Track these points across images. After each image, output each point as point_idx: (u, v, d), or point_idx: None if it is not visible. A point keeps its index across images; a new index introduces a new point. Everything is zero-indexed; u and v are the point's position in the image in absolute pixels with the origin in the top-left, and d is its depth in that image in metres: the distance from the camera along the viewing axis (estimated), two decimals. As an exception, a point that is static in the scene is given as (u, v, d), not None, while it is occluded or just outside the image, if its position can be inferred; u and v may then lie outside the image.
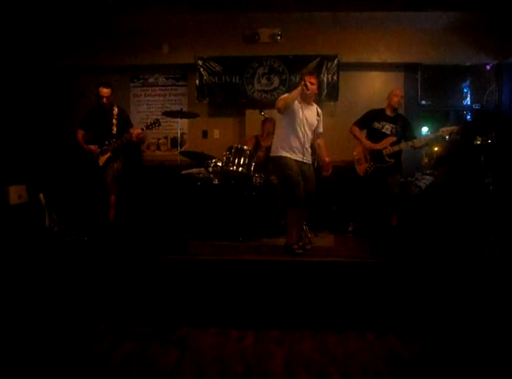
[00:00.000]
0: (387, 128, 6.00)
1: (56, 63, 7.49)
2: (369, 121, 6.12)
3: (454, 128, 5.82)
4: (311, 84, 4.93)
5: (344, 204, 6.42)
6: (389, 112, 6.06)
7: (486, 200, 4.99)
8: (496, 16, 6.70)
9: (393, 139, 5.93)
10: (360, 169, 6.12)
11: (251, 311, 4.20)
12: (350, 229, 6.19)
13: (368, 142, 6.02)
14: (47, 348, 3.64)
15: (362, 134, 6.13)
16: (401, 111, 7.15)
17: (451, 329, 3.94)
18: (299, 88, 4.87)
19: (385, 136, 5.98)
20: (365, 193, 6.16)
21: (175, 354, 3.53)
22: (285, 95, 5.02)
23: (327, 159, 5.28)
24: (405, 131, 6.01)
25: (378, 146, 5.95)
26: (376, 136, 6.02)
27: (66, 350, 3.62)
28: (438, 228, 4.65)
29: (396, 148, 5.90)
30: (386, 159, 5.91)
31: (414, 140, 5.90)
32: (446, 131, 5.77)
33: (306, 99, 5.01)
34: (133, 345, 3.67)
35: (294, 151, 4.98)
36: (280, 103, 4.94)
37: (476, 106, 7.37)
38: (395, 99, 6.02)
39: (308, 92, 4.91)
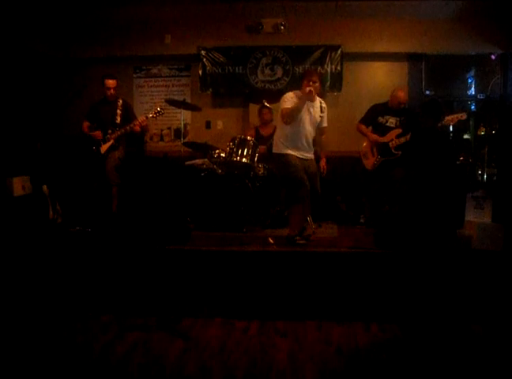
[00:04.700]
0: (391, 121, 5.96)
1: (59, 55, 7.47)
2: (373, 116, 6.08)
3: (461, 115, 5.60)
4: (314, 82, 4.83)
5: (351, 195, 6.39)
6: (392, 105, 6.00)
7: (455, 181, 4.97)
8: (501, 5, 6.64)
9: (399, 131, 5.86)
10: (368, 163, 6.07)
11: (255, 302, 4.21)
12: (362, 221, 6.20)
13: (374, 136, 5.99)
14: (51, 339, 3.67)
15: (368, 130, 6.09)
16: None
17: (455, 320, 3.95)
18: (305, 98, 4.77)
19: (390, 129, 5.93)
20: (374, 186, 6.11)
21: (179, 344, 3.54)
22: (289, 100, 4.88)
23: (324, 159, 5.27)
24: (411, 123, 5.91)
25: (384, 139, 5.90)
26: (381, 130, 5.97)
27: (71, 340, 3.64)
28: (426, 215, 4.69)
29: (402, 139, 5.80)
30: (393, 151, 5.85)
31: None
32: (452, 119, 5.57)
33: (309, 98, 4.89)
34: (138, 336, 3.69)
35: (297, 149, 4.94)
36: (286, 117, 4.85)
37: (481, 97, 7.32)
38: (399, 100, 5.92)
39: (314, 94, 4.84)
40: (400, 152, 5.84)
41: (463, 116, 5.61)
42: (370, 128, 6.10)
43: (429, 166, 4.68)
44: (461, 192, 5.03)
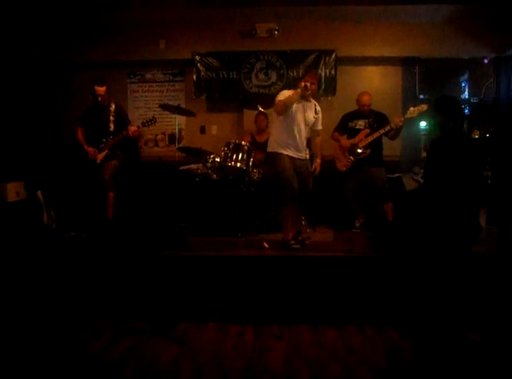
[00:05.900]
0: (360, 124, 6.12)
1: (52, 59, 7.45)
2: (344, 124, 6.28)
3: (423, 106, 5.68)
4: (312, 83, 4.90)
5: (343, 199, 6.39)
6: (359, 110, 6.18)
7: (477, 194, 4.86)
8: (494, 8, 6.66)
9: (367, 131, 6.01)
10: (341, 165, 6.19)
11: (250, 306, 4.20)
12: (357, 225, 6.20)
13: (344, 140, 6.18)
14: (45, 344, 3.65)
15: (343, 137, 6.26)
16: (399, 105, 7.17)
17: (452, 324, 3.95)
18: (299, 90, 4.79)
19: (360, 131, 6.08)
20: (347, 185, 6.21)
21: (173, 349, 3.53)
22: (284, 95, 4.95)
23: (318, 160, 5.27)
24: (380, 123, 6.02)
25: (353, 140, 6.07)
26: (353, 134, 6.13)
27: (65, 345, 3.62)
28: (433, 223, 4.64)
29: (370, 138, 5.96)
30: (363, 150, 6.00)
31: (385, 127, 5.89)
32: (413, 111, 5.70)
33: (303, 97, 4.94)
34: (133, 340, 3.68)
35: (289, 148, 4.97)
36: (278, 107, 4.93)
37: (474, 100, 7.36)
38: (362, 103, 6.12)
39: (308, 93, 4.87)
40: (368, 150, 5.97)
41: (423, 108, 5.68)
42: (345, 136, 6.24)
43: (452, 175, 4.49)
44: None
